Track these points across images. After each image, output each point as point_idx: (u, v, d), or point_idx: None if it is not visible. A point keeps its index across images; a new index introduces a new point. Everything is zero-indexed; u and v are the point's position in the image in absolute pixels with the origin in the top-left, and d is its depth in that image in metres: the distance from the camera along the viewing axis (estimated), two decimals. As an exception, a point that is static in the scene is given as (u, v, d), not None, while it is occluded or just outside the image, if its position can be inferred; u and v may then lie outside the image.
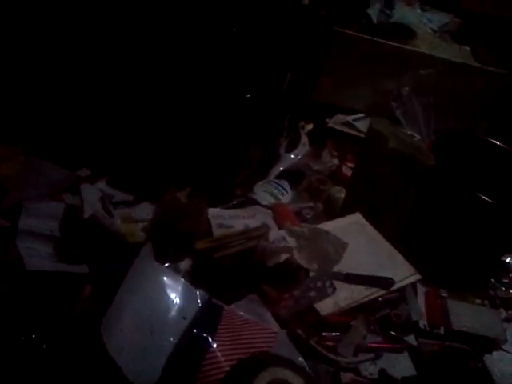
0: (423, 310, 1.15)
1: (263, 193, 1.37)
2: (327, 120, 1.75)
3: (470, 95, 1.71)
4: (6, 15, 1.11)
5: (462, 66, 1.72)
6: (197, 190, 1.02)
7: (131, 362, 0.77)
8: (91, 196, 1.01)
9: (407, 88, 1.73)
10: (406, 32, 1.88)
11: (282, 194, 1.40)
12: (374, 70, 1.71)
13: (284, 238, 1.02)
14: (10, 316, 0.80)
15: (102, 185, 1.13)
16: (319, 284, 1.01)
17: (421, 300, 1.17)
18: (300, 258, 1.01)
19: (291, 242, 1.03)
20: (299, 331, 0.96)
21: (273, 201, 1.34)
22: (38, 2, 1.11)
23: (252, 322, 0.93)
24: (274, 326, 0.96)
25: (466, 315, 1.16)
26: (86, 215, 0.95)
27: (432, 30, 2.00)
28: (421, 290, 1.19)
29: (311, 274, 1.04)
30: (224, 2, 1.28)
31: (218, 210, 1.15)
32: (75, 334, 0.80)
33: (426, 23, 2.03)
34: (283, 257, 1.00)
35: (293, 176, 1.49)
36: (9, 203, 0.99)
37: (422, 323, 1.11)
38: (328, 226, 1.19)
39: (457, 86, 1.71)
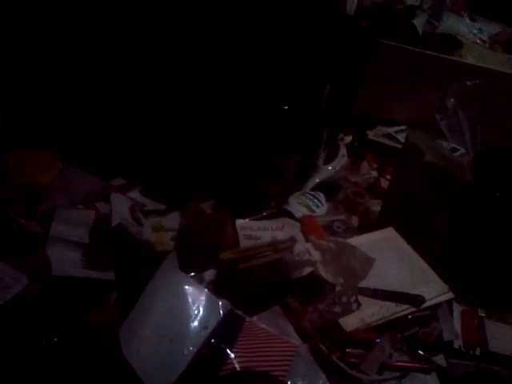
0: (459, 329, 1.10)
1: (298, 205, 1.36)
2: (368, 132, 1.73)
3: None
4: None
5: (510, 76, 1.66)
6: (222, 201, 1.03)
7: (150, 368, 0.79)
8: (120, 205, 1.05)
9: (452, 100, 1.68)
10: (452, 42, 1.83)
11: (317, 206, 1.39)
12: (417, 81, 1.68)
13: (308, 252, 1.02)
14: (36, 319, 0.84)
15: (135, 194, 1.16)
16: (344, 299, 0.99)
17: (456, 319, 1.13)
18: (325, 272, 1.00)
19: (316, 255, 1.02)
20: (322, 346, 0.95)
21: (307, 213, 1.33)
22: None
23: (272, 334, 0.93)
24: (296, 340, 0.95)
25: (505, 337, 1.11)
26: (114, 223, 0.99)
27: (482, 40, 1.94)
28: (457, 308, 1.15)
29: (337, 289, 1.02)
30: (269, 11, 1.29)
31: (246, 221, 1.16)
32: (96, 338, 0.82)
33: (475, 33, 1.97)
34: (307, 270, 0.99)
35: (329, 188, 1.47)
36: (44, 211, 1.04)
37: (457, 343, 1.07)
38: (359, 240, 1.18)
39: (506, 98, 1.64)
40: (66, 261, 0.95)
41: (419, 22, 1.82)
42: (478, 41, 1.93)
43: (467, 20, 2.01)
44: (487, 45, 1.92)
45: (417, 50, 1.66)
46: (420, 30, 1.80)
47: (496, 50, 1.93)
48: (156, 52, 1.18)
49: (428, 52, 1.66)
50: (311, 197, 1.42)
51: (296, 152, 1.51)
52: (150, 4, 1.18)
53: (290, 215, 1.31)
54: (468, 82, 1.65)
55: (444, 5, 1.95)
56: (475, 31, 1.98)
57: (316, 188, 1.46)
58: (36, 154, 1.11)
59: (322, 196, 1.43)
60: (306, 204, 1.38)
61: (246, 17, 1.26)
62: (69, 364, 0.78)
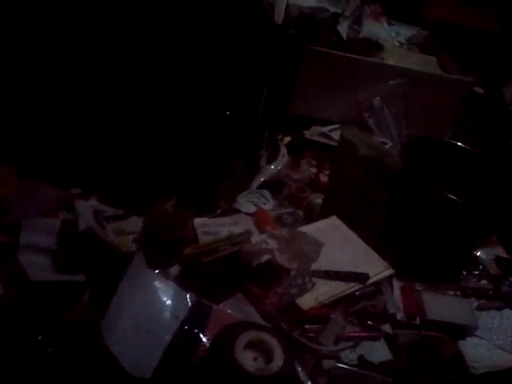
0: (399, 302, 1.23)
1: (246, 203, 1.45)
2: (304, 132, 1.85)
3: (437, 102, 1.82)
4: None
5: (428, 75, 1.83)
6: (182, 200, 1.10)
7: (131, 357, 0.85)
8: (85, 211, 1.10)
9: (378, 98, 1.83)
10: (374, 46, 2.00)
11: (264, 204, 1.48)
12: (345, 83, 1.81)
13: (265, 241, 1.11)
14: (17, 321, 0.88)
15: (93, 202, 1.21)
16: (300, 281, 1.09)
17: (397, 294, 1.25)
18: (281, 259, 1.10)
19: (272, 244, 1.11)
20: (283, 325, 1.04)
21: (255, 209, 1.43)
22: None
23: (238, 318, 1.01)
24: (260, 321, 1.03)
25: (440, 306, 1.23)
26: (81, 228, 1.04)
27: (400, 42, 2.13)
28: (397, 284, 1.27)
29: (292, 272, 1.12)
30: (201, 24, 1.37)
31: (203, 219, 1.24)
32: (77, 335, 0.87)
33: (393, 36, 2.16)
34: (265, 258, 1.08)
35: (274, 186, 1.57)
36: (9, 221, 1.07)
37: (399, 315, 1.19)
38: (306, 229, 1.28)
39: (425, 94, 1.81)
40: (38, 267, 0.99)
41: (343, 29, 1.96)
42: (397, 43, 2.12)
43: (385, 25, 2.19)
44: (405, 46, 2.10)
45: (343, 54, 1.80)
46: (344, 36, 1.95)
47: (413, 50, 2.12)
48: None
49: (353, 56, 1.80)
50: (258, 195, 1.51)
51: (240, 154, 1.60)
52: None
53: (239, 213, 1.40)
54: (391, 82, 1.82)
55: (364, 12, 2.12)
56: (393, 34, 2.16)
57: (261, 186, 1.55)
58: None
59: (267, 193, 1.53)
60: (254, 201, 1.47)
61: (183, 32, 1.33)
62: (56, 361, 0.83)
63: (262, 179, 1.59)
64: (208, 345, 0.91)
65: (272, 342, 0.79)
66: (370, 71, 1.80)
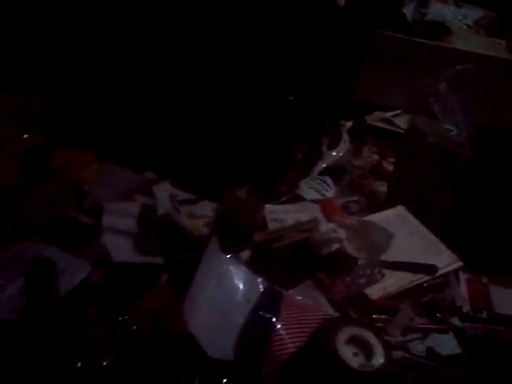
0: (466, 295, 1.21)
1: (308, 189, 1.46)
2: (366, 117, 1.82)
3: (506, 88, 1.76)
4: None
5: (496, 59, 1.77)
6: (254, 187, 1.12)
7: (209, 338, 0.88)
8: (162, 196, 1.14)
9: (444, 83, 1.78)
10: (441, 29, 1.93)
11: (326, 190, 1.49)
12: (410, 68, 1.77)
13: (334, 230, 1.12)
14: (105, 300, 0.93)
15: (166, 186, 1.25)
16: (368, 271, 1.10)
17: (463, 286, 1.23)
18: (350, 248, 1.10)
19: (341, 233, 1.12)
20: (352, 314, 1.05)
21: (317, 196, 1.43)
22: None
23: (309, 304, 1.03)
24: (329, 309, 1.05)
25: (509, 299, 1.21)
26: (160, 213, 1.08)
27: (467, 25, 2.05)
28: (463, 277, 1.25)
29: (360, 262, 1.13)
30: (266, 9, 1.36)
31: (270, 205, 1.25)
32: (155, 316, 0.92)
33: (460, 19, 2.08)
34: (334, 247, 1.09)
35: (335, 172, 1.56)
36: (90, 203, 1.12)
37: (466, 308, 1.17)
38: (373, 218, 1.28)
39: (493, 79, 1.75)
40: (120, 248, 1.03)
41: (408, 11, 1.91)
42: (464, 26, 2.04)
43: (452, 6, 2.11)
44: (473, 30, 2.02)
45: (409, 38, 1.75)
46: (410, 19, 1.90)
47: (480, 33, 2.04)
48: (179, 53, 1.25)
49: (419, 40, 1.75)
50: (320, 181, 1.51)
51: (302, 140, 1.60)
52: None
53: (302, 199, 1.41)
54: (458, 66, 1.76)
55: (431, -7, 2.05)
56: (460, 17, 2.08)
57: (323, 173, 1.55)
58: (74, 153, 1.19)
59: (329, 180, 1.53)
60: (316, 188, 1.48)
61: (248, 16, 1.33)
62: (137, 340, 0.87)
63: (324, 165, 1.59)
64: (282, 330, 0.93)
65: (372, 338, 0.80)
66: (437, 55, 1.76)
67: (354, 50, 1.68)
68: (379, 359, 0.79)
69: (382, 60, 1.75)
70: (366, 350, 0.80)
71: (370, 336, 0.81)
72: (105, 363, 0.83)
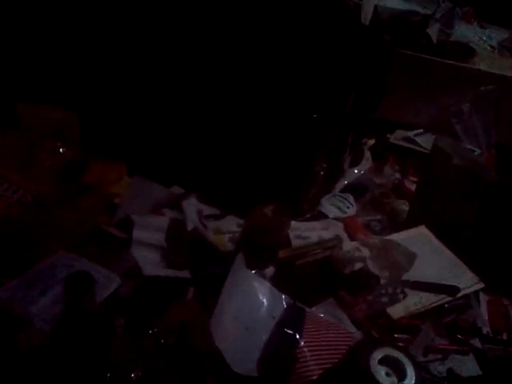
0: (486, 317, 1.21)
1: (330, 206, 1.48)
2: (388, 136, 1.84)
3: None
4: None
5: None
6: (281, 204, 1.15)
7: (234, 353, 0.90)
8: (191, 211, 1.17)
9: (467, 104, 1.79)
10: (465, 50, 1.94)
11: (348, 207, 1.50)
12: (434, 88, 1.79)
13: (358, 249, 1.14)
14: (134, 313, 0.96)
15: (193, 201, 1.28)
16: (391, 290, 1.11)
17: (483, 308, 1.23)
18: (373, 267, 1.12)
19: (364, 251, 1.14)
20: (373, 332, 1.07)
21: (338, 213, 1.44)
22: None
23: (331, 323, 1.05)
24: (350, 327, 1.07)
25: (529, 322, 1.22)
26: (189, 228, 1.11)
27: (491, 46, 2.06)
28: (483, 298, 1.25)
29: (382, 281, 1.14)
30: (293, 27, 1.39)
31: (294, 222, 1.28)
32: (182, 330, 0.94)
33: (485, 40, 2.09)
34: (358, 265, 1.11)
35: (357, 190, 1.57)
36: (120, 218, 1.15)
37: (485, 329, 1.18)
38: (395, 237, 1.29)
39: (516, 100, 1.76)
40: (149, 262, 1.06)
41: (433, 32, 1.92)
42: (488, 47, 2.05)
43: (477, 27, 2.12)
44: (496, 51, 2.03)
45: (434, 58, 1.77)
46: (434, 39, 1.91)
47: (504, 55, 2.05)
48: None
49: (445, 61, 1.77)
50: (341, 198, 1.53)
51: (324, 157, 1.62)
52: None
53: (324, 216, 1.42)
54: (482, 88, 1.77)
55: (455, 14, 2.07)
56: (485, 38, 2.09)
57: (344, 190, 1.56)
58: (105, 167, 1.23)
59: (350, 197, 1.54)
60: (337, 205, 1.49)
61: (273, 34, 1.36)
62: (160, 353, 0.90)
63: (345, 183, 1.60)
64: (305, 348, 0.95)
65: (404, 359, 0.82)
66: (461, 76, 1.77)
67: (379, 69, 1.70)
68: (411, 380, 0.80)
69: (406, 79, 1.77)
70: (398, 371, 0.82)
71: (401, 357, 0.82)
72: (133, 376, 0.85)
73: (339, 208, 1.49)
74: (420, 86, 1.78)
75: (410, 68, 1.76)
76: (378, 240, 1.17)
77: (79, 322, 0.72)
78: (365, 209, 1.54)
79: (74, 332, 0.73)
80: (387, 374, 0.81)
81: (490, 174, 1.28)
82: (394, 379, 0.81)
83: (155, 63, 1.30)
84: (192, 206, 1.18)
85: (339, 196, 1.54)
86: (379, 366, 0.80)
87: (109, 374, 0.85)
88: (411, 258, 1.12)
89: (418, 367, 0.84)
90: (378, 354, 0.81)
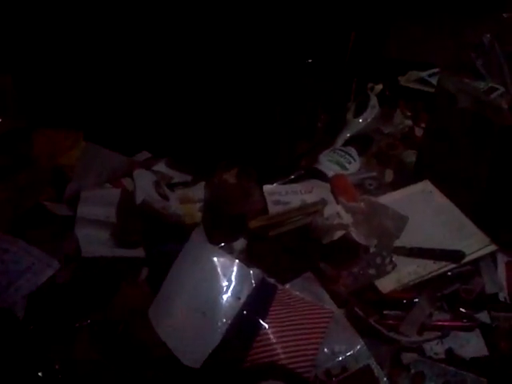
0: (503, 281, 1.06)
1: (328, 162, 1.33)
2: (399, 78, 1.65)
3: None
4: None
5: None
6: (245, 168, 1.00)
7: (182, 343, 0.79)
8: (144, 181, 1.04)
9: (488, 35, 1.57)
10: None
11: (349, 163, 1.35)
12: (448, 18, 1.58)
13: (339, 214, 0.99)
14: (68, 302, 0.86)
15: (161, 167, 1.15)
16: (379, 260, 0.97)
17: (501, 271, 1.07)
18: (357, 235, 0.97)
19: (347, 218, 0.99)
20: (357, 310, 0.93)
21: (339, 170, 1.30)
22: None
23: (306, 301, 0.92)
24: (331, 305, 0.93)
25: (554, 286, 1.06)
26: (138, 201, 0.98)
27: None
28: (501, 260, 1.09)
29: (371, 250, 0.99)
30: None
31: (274, 186, 1.13)
32: (131, 317, 0.83)
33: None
34: (338, 234, 0.96)
35: (361, 142, 1.43)
36: (72, 192, 1.04)
37: (502, 296, 1.03)
38: (393, 195, 1.15)
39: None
40: (94, 241, 0.95)
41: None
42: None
43: None
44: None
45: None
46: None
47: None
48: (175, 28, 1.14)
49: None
50: (343, 153, 1.37)
51: (323, 107, 1.46)
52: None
53: (322, 174, 1.27)
54: (504, 14, 1.54)
55: None
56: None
57: (347, 143, 1.41)
58: (57, 135, 1.11)
59: (353, 151, 1.39)
60: (338, 161, 1.34)
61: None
62: (104, 345, 0.80)
63: (349, 135, 1.45)
64: (270, 334, 0.83)
65: None
66: (478, 3, 1.54)
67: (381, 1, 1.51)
68: None
69: (414, 10, 1.56)
70: None
71: None
72: (69, 371, 0.76)
73: (340, 164, 1.34)
74: (431, 17, 1.57)
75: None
76: (363, 203, 1.01)
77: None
78: (369, 163, 1.39)
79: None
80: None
81: (504, 117, 1.08)
82: None
83: (111, 13, 1.15)
84: (146, 175, 1.05)
85: (340, 150, 1.39)
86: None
87: (41, 371, 0.75)
88: (401, 221, 0.97)
89: None
90: None
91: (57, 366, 0.77)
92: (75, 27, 1.14)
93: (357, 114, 1.51)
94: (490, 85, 1.52)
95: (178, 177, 1.16)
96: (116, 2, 1.13)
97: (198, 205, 1.09)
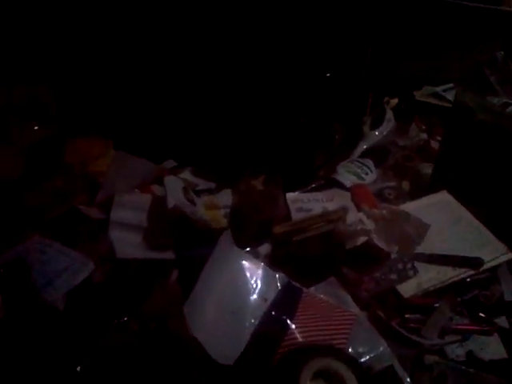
0: (522, 289, 1.08)
1: (346, 173, 1.35)
2: (414, 93, 1.68)
3: None
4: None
5: None
6: (272, 175, 1.04)
7: (213, 340, 0.82)
8: (174, 187, 1.08)
9: (502, 52, 1.61)
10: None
11: (366, 174, 1.37)
12: (464, 35, 1.62)
13: (362, 221, 1.02)
14: (104, 301, 0.89)
15: (186, 174, 1.19)
16: (400, 266, 0.99)
17: (520, 279, 1.10)
18: (379, 241, 1.00)
19: (369, 224, 1.02)
20: (380, 313, 0.95)
21: (356, 181, 1.32)
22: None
23: (331, 304, 0.94)
24: (354, 308, 0.96)
25: None
26: (170, 206, 1.02)
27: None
28: (519, 269, 1.12)
29: (393, 256, 1.02)
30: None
31: (296, 194, 1.17)
32: (163, 317, 0.86)
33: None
34: (361, 240, 0.99)
35: (378, 154, 1.45)
36: (103, 197, 1.08)
37: (521, 305, 1.05)
38: (412, 205, 1.17)
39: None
40: (127, 244, 0.99)
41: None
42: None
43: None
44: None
45: (461, 2, 1.59)
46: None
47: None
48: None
49: (471, 4, 1.58)
50: (360, 164, 1.40)
51: (341, 120, 1.50)
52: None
53: (340, 184, 1.30)
54: (516, 30, 1.58)
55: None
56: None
57: (364, 155, 1.44)
58: (88, 143, 1.15)
59: (370, 163, 1.41)
60: (355, 172, 1.37)
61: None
62: (137, 343, 0.83)
63: (365, 147, 1.48)
64: (296, 333, 0.85)
65: (346, 373, 0.70)
66: (493, 20, 1.58)
67: (397, 19, 1.55)
68: None
69: (431, 27, 1.59)
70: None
71: (343, 369, 0.70)
72: (105, 367, 0.79)
73: (357, 175, 1.36)
74: (447, 34, 1.61)
75: (435, 14, 1.58)
76: (385, 210, 1.04)
77: (23, 316, 0.66)
78: (385, 175, 1.42)
79: (19, 327, 0.67)
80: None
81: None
82: None
83: (143, 28, 1.20)
84: (176, 182, 1.09)
85: (357, 162, 1.41)
86: (313, 382, 0.68)
87: (79, 366, 0.79)
88: (423, 229, 0.99)
89: (365, 378, 0.71)
90: (311, 368, 0.69)
91: (94, 362, 0.79)
92: (106, 41, 1.19)
93: (373, 127, 1.53)
94: (504, 100, 1.57)
95: (202, 184, 1.20)
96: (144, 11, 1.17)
97: (223, 211, 1.12)
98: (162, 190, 1.10)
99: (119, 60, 1.22)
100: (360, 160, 1.41)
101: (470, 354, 0.95)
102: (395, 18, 1.53)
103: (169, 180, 1.09)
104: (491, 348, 0.96)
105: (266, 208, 1.04)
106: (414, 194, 1.28)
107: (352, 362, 0.78)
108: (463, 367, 0.92)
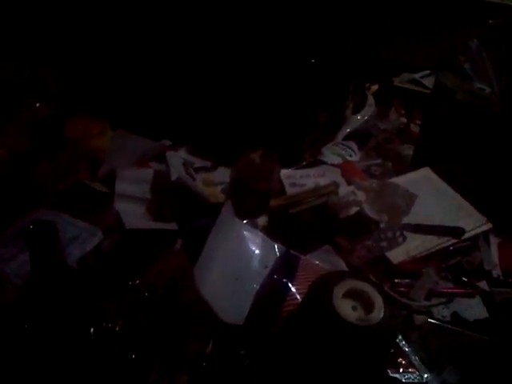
0: (496, 260, 1.15)
1: (331, 155, 1.42)
2: (393, 79, 1.75)
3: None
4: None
5: (533, 12, 1.66)
6: (269, 150, 1.09)
7: (222, 303, 0.87)
8: (176, 162, 1.12)
9: (475, 40, 1.68)
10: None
11: (350, 155, 1.44)
12: (439, 24, 1.69)
13: (353, 193, 1.08)
14: (116, 266, 0.93)
15: (183, 153, 1.23)
16: (390, 234, 1.06)
17: (494, 250, 1.17)
18: (370, 211, 1.06)
19: (360, 195, 1.08)
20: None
21: (341, 161, 1.38)
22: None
23: (327, 269, 1.00)
24: (350, 274, 1.02)
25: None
26: (173, 178, 1.06)
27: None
28: (494, 240, 1.19)
29: (382, 225, 1.09)
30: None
31: (289, 170, 1.22)
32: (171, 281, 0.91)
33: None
34: (353, 210, 1.05)
35: (360, 137, 1.51)
36: (105, 172, 1.11)
37: (496, 272, 1.12)
38: (397, 180, 1.23)
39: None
40: (133, 215, 1.03)
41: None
42: (498, -23, 1.91)
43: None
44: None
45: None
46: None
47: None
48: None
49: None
50: (344, 146, 1.46)
51: (325, 105, 1.55)
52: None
53: (324, 164, 1.36)
54: (491, 21, 1.66)
55: None
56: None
57: (347, 138, 1.50)
58: (87, 121, 1.18)
59: (353, 145, 1.47)
60: (339, 153, 1.43)
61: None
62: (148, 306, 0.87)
63: (348, 130, 1.54)
64: (297, 295, 0.91)
65: (372, 292, 0.77)
66: (467, 10, 1.66)
67: (378, 9, 1.61)
68: (379, 313, 0.75)
69: (408, 16, 1.66)
70: (366, 304, 0.77)
71: (369, 289, 0.77)
72: (117, 328, 0.82)
73: (341, 156, 1.43)
74: (423, 23, 1.68)
75: (417, 3, 1.65)
76: (375, 183, 1.10)
77: (46, 276, 0.69)
78: (368, 156, 1.48)
79: (43, 286, 0.70)
80: (353, 308, 0.77)
81: (497, 107, 1.20)
82: (361, 313, 0.76)
83: (140, 9, 1.22)
84: (177, 157, 1.13)
85: (341, 144, 1.48)
86: (343, 300, 0.75)
87: (93, 328, 0.82)
88: (410, 199, 1.06)
89: (387, 299, 0.78)
90: (342, 288, 0.76)
91: (105, 323, 0.83)
92: (105, 23, 1.21)
93: (355, 112, 1.60)
94: (477, 86, 1.65)
95: (198, 162, 1.24)
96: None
97: (220, 187, 1.17)
98: (162, 166, 1.14)
99: (115, 42, 1.24)
100: (344, 142, 1.48)
101: (455, 314, 1.02)
102: (375, 8, 1.59)
103: (170, 155, 1.13)
104: (474, 309, 1.03)
105: (263, 179, 1.09)
106: (398, 172, 1.35)
107: (376, 284, 0.84)
108: (449, 326, 0.99)
